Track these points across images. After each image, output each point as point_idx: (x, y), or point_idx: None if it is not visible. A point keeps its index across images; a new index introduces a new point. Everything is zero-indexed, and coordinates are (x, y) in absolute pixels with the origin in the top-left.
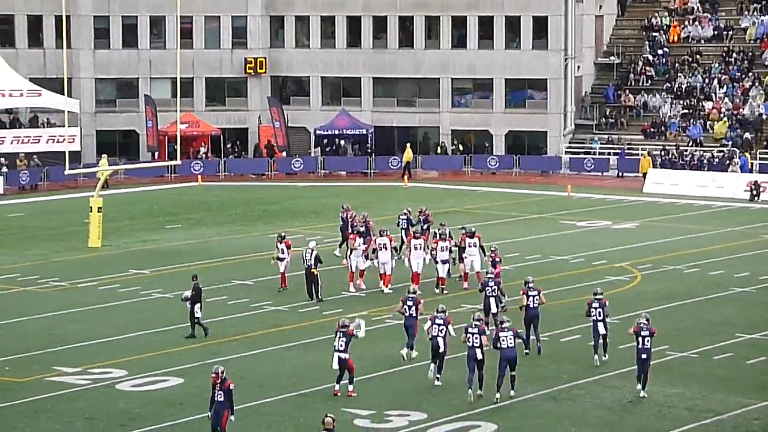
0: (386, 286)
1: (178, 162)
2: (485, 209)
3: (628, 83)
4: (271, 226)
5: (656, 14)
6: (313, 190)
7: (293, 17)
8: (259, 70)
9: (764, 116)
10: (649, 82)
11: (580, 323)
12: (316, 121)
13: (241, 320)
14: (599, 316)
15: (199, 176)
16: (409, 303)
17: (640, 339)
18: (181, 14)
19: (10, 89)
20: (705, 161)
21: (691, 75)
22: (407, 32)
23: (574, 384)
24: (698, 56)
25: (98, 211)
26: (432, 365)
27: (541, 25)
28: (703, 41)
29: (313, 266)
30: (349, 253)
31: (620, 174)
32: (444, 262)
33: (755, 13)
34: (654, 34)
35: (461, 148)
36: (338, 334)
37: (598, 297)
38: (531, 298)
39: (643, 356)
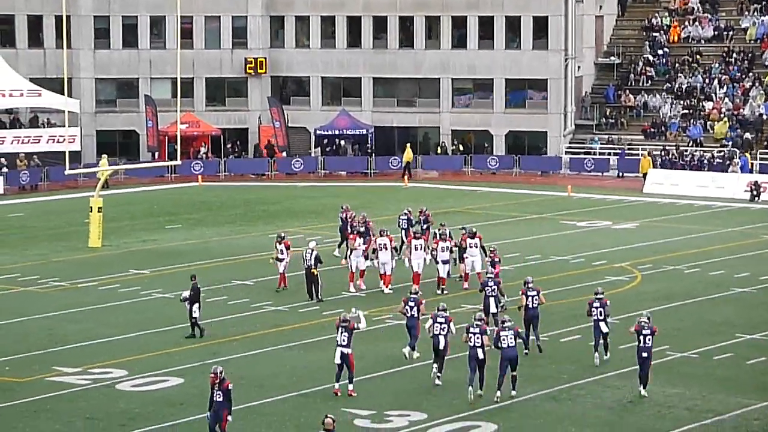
0: (386, 287)
1: (179, 162)
2: (485, 209)
3: (629, 83)
4: (272, 226)
5: (656, 14)
6: (314, 191)
7: (293, 17)
8: (259, 70)
9: (764, 116)
10: (650, 82)
11: (581, 323)
12: (316, 121)
13: (242, 320)
14: (600, 315)
15: (200, 176)
16: (411, 304)
17: (641, 338)
18: (182, 14)
19: (10, 89)
20: (705, 161)
21: (691, 75)
22: (407, 32)
23: (575, 384)
24: (698, 56)
25: (98, 211)
26: (434, 365)
27: (541, 26)
28: (703, 41)
29: (313, 266)
30: (349, 253)
31: (620, 174)
32: (445, 262)
33: (755, 14)
34: (654, 34)
35: (461, 148)
36: (340, 329)
37: (599, 297)
38: (530, 299)
39: (644, 355)
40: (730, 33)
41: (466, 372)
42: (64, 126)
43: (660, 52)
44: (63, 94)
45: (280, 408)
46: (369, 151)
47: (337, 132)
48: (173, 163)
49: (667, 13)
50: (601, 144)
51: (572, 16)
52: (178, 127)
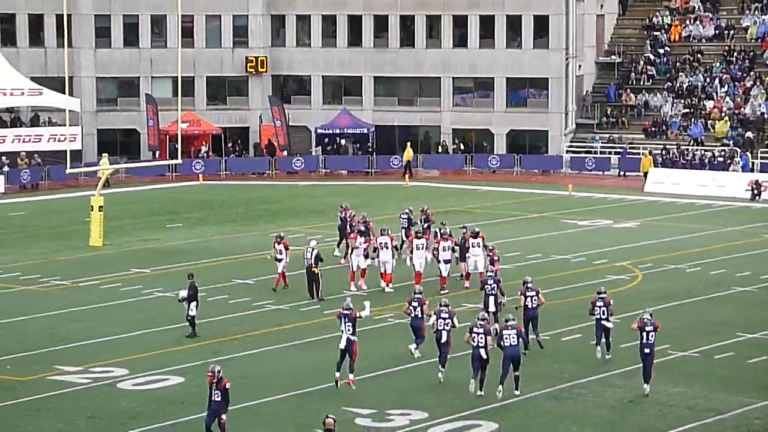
0: (387, 285)
1: (179, 161)
2: (486, 208)
3: (629, 82)
4: (272, 225)
5: (657, 13)
6: (314, 189)
7: (294, 16)
8: (260, 69)
9: (765, 115)
10: (650, 81)
11: (582, 322)
12: (317, 120)
13: (242, 319)
14: (603, 315)
15: (200, 175)
16: (414, 303)
17: (644, 334)
18: (182, 13)
19: (11, 88)
20: (706, 160)
21: (692, 74)
22: (408, 31)
23: (576, 383)
24: (699, 55)
25: (99, 210)
26: (440, 366)
27: (542, 25)
28: (704, 40)
29: (313, 265)
30: (349, 252)
31: (621, 173)
32: (446, 261)
33: (756, 12)
34: (655, 33)
35: (462, 147)
36: (343, 319)
37: (602, 296)
38: (529, 299)
39: (646, 350)
40: (731, 32)
41: (468, 371)
42: (65, 125)
43: (661, 51)
44: (64, 92)
45: (281, 407)
46: (370, 150)
47: (337, 131)
48: (174, 162)
49: (668, 12)
50: (602, 143)
51: (573, 15)
52: (179, 126)
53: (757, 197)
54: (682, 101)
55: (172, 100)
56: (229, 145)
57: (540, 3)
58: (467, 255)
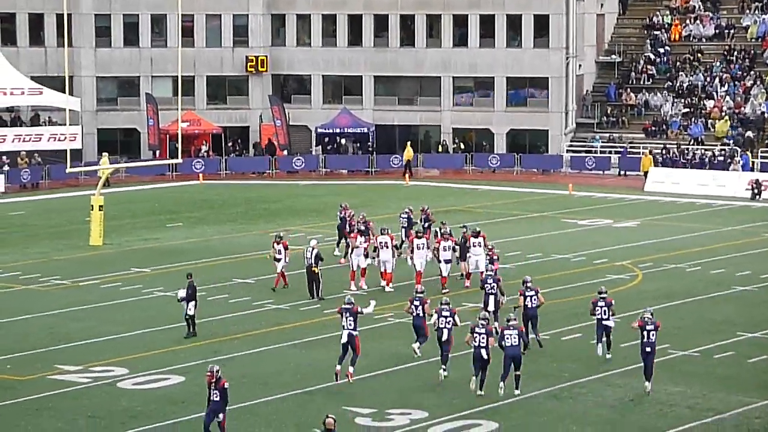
0: (387, 285)
1: (180, 160)
2: (486, 208)
3: (630, 82)
4: (273, 224)
5: (657, 13)
6: (315, 189)
7: (294, 15)
8: (260, 69)
9: (766, 115)
10: (651, 80)
11: (582, 322)
12: (317, 119)
13: (243, 318)
14: (604, 315)
15: (201, 174)
16: (416, 303)
17: (645, 333)
18: (183, 12)
19: (11, 87)
20: (706, 160)
21: (692, 73)
22: (408, 31)
23: (576, 382)
24: (699, 55)
25: (99, 210)
26: (442, 365)
27: (542, 24)
28: (704, 40)
29: (314, 264)
30: (350, 252)
31: (622, 173)
32: (447, 261)
33: (756, 12)
34: (655, 32)
35: (462, 146)
36: (344, 314)
37: (603, 296)
38: (529, 298)
39: (647, 349)
40: (731, 31)
41: (469, 370)
42: (65, 124)
43: (661, 50)
44: (64, 92)
45: (282, 406)
46: (370, 149)
47: (338, 130)
48: (174, 161)
49: (668, 12)
50: (602, 142)
51: (573, 14)
52: (179, 126)
53: (758, 196)
54: (683, 101)
55: (172, 99)
56: (230, 144)
57: (540, 2)
58: (468, 254)
